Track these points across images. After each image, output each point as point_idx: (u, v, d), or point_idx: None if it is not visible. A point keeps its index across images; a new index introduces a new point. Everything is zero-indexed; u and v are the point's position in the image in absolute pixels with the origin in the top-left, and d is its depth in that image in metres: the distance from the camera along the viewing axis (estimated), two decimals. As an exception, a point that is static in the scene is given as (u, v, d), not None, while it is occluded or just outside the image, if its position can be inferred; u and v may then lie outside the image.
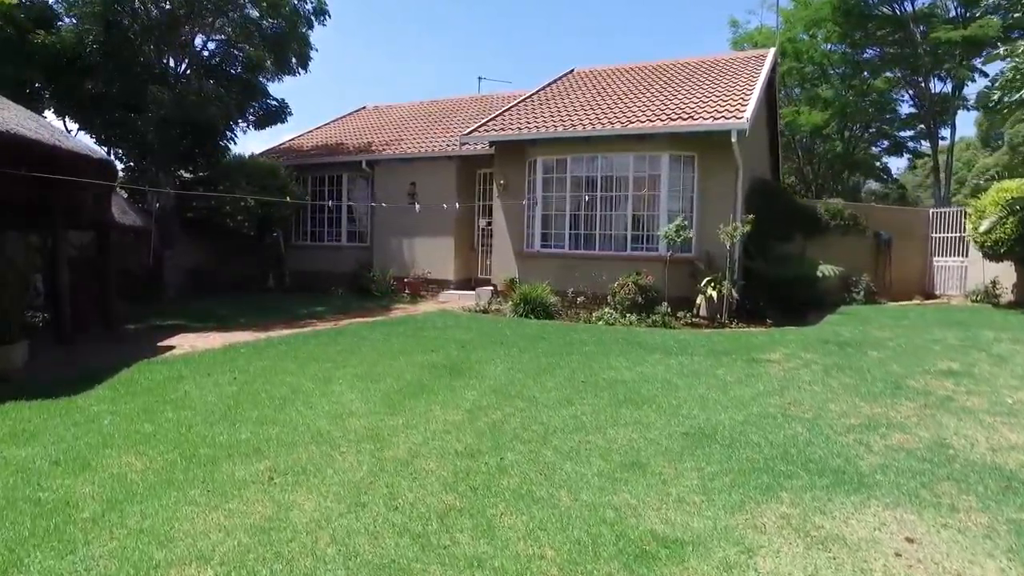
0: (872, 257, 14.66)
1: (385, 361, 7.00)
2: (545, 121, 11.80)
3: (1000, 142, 31.32)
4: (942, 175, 20.09)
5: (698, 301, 10.32)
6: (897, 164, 32.80)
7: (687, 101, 11.35)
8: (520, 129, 11.69)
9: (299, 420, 4.88)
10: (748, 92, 11.18)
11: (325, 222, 15.81)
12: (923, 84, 19.68)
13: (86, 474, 3.77)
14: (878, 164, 22.45)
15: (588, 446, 4.36)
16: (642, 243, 11.12)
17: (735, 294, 9.97)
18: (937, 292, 15.00)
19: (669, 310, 10.01)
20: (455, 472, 3.87)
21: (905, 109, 21.06)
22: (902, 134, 21.69)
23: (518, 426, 4.78)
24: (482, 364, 6.87)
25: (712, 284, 10.15)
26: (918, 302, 14.02)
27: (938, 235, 15.04)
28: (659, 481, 3.78)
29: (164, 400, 5.44)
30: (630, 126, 10.71)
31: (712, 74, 13.16)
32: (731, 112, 10.30)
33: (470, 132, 12.21)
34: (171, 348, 7.89)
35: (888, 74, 20.52)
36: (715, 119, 10.22)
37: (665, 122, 10.53)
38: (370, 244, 15.20)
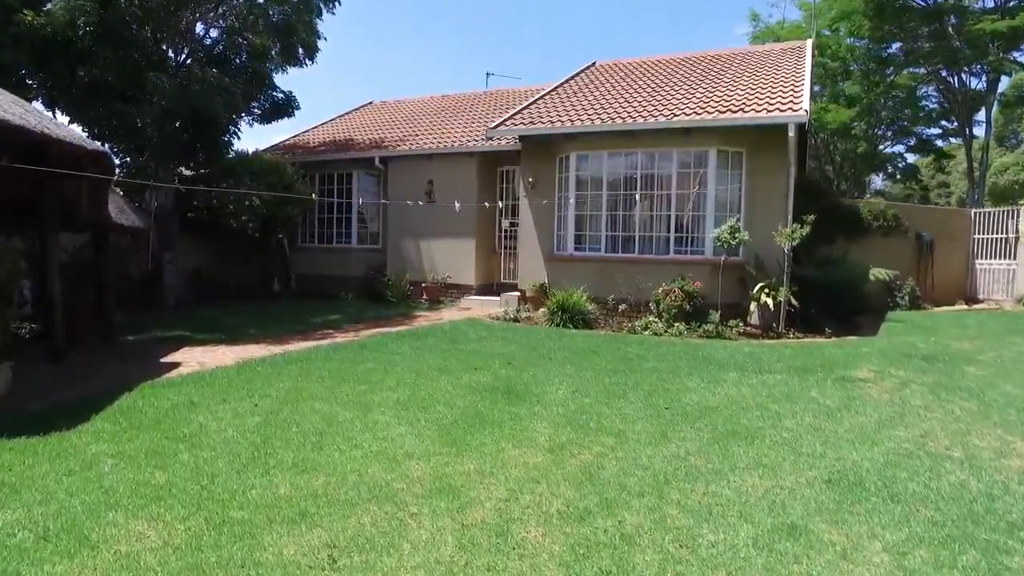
0: (914, 260, 13.88)
1: (426, 382, 6.09)
2: (579, 114, 10.92)
3: (1014, 140, 30.78)
4: (976, 174, 19.39)
5: (751, 308, 9.48)
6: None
7: (732, 93, 10.51)
8: (552, 122, 10.81)
9: (346, 465, 3.98)
10: (799, 83, 10.37)
11: (333, 223, 14.86)
12: (954, 79, 18.98)
13: (84, 555, 2.85)
14: (902, 163, 21.74)
15: (718, 500, 3.48)
16: (685, 245, 10.27)
17: (794, 301, 9.12)
18: (980, 296, 14.25)
19: (721, 319, 9.16)
20: (571, 546, 2.97)
21: (931, 106, 20.38)
22: (928, 132, 20.99)
23: (618, 471, 3.90)
24: (539, 386, 5.98)
25: (766, 290, 9.32)
26: (966, 307, 13.26)
27: (982, 236, 14.29)
28: (836, 555, 2.91)
29: (176, 436, 4.51)
30: (675, 119, 9.85)
31: (749, 66, 12.35)
32: (786, 104, 9.47)
33: (496, 126, 11.30)
34: (177, 365, 6.95)
35: (914, 70, 19.80)
36: (769, 111, 9.39)
37: (714, 115, 9.68)
38: (382, 246, 14.27)
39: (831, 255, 11.84)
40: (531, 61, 65.01)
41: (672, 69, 13.14)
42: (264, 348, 8.00)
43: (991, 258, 14.23)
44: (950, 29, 17.33)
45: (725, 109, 9.75)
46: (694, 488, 3.66)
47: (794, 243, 9.05)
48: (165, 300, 11.69)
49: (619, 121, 10.22)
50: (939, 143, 21.55)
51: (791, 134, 9.17)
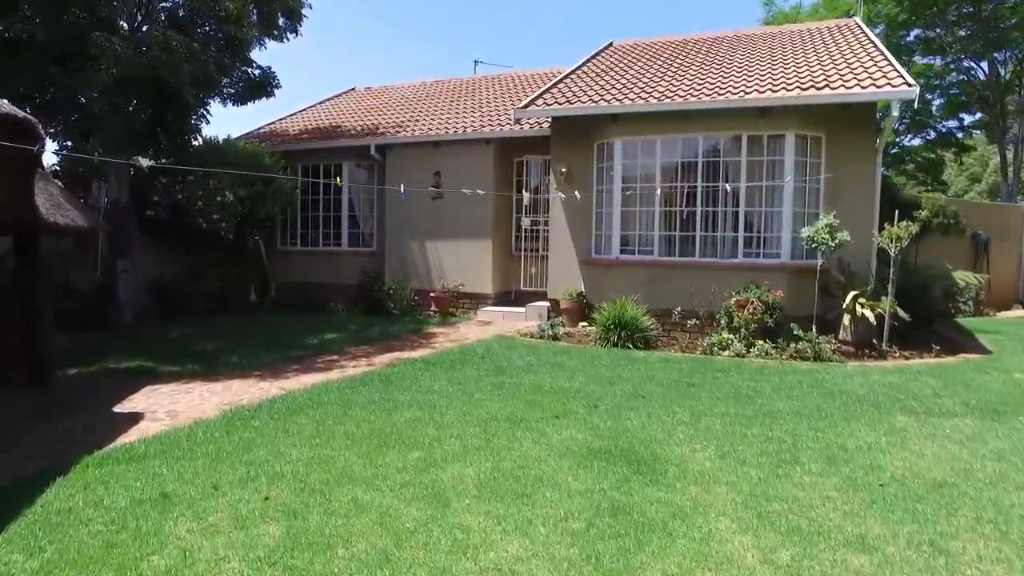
0: (970, 260, 12.71)
1: (503, 443, 4.30)
2: (623, 93, 9.23)
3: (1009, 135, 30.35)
4: (1010, 169, 18.49)
5: (844, 322, 7.94)
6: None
7: (799, 69, 8.96)
8: (595, 101, 9.09)
9: (466, 654, 2.18)
10: (880, 57, 8.90)
11: (320, 222, 12.85)
12: (984, 68, 18.02)
13: None
14: (923, 158, 20.77)
15: None
16: (757, 247, 8.69)
17: (902, 313, 7.62)
18: (1035, 300, 13.19)
19: (816, 335, 7.58)
20: None
21: (962, 98, 19.42)
22: (947, 124, 20.09)
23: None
24: (664, 446, 4.26)
25: (860, 300, 7.80)
26: (1032, 313, 12.15)
27: (1036, 235, 13.22)
28: None
29: (141, 579, 2.64)
30: (748, 97, 8.25)
31: (800, 43, 10.83)
32: (880, 78, 7.95)
33: (526, 105, 9.53)
34: (138, 418, 4.99)
35: (932, 59, 18.87)
36: (863, 87, 7.84)
37: (795, 92, 8.10)
38: (378, 249, 12.35)
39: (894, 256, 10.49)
40: (514, 52, 63.22)
41: (711, 47, 11.56)
42: (255, 386, 6.08)
43: (1046, 258, 13.16)
44: (982, 13, 16.33)
45: (808, 85, 8.19)
46: None
47: (903, 244, 7.56)
48: (120, 318, 9.55)
49: (678, 99, 8.57)
50: (959, 135, 20.70)
51: (895, 112, 7.74)
